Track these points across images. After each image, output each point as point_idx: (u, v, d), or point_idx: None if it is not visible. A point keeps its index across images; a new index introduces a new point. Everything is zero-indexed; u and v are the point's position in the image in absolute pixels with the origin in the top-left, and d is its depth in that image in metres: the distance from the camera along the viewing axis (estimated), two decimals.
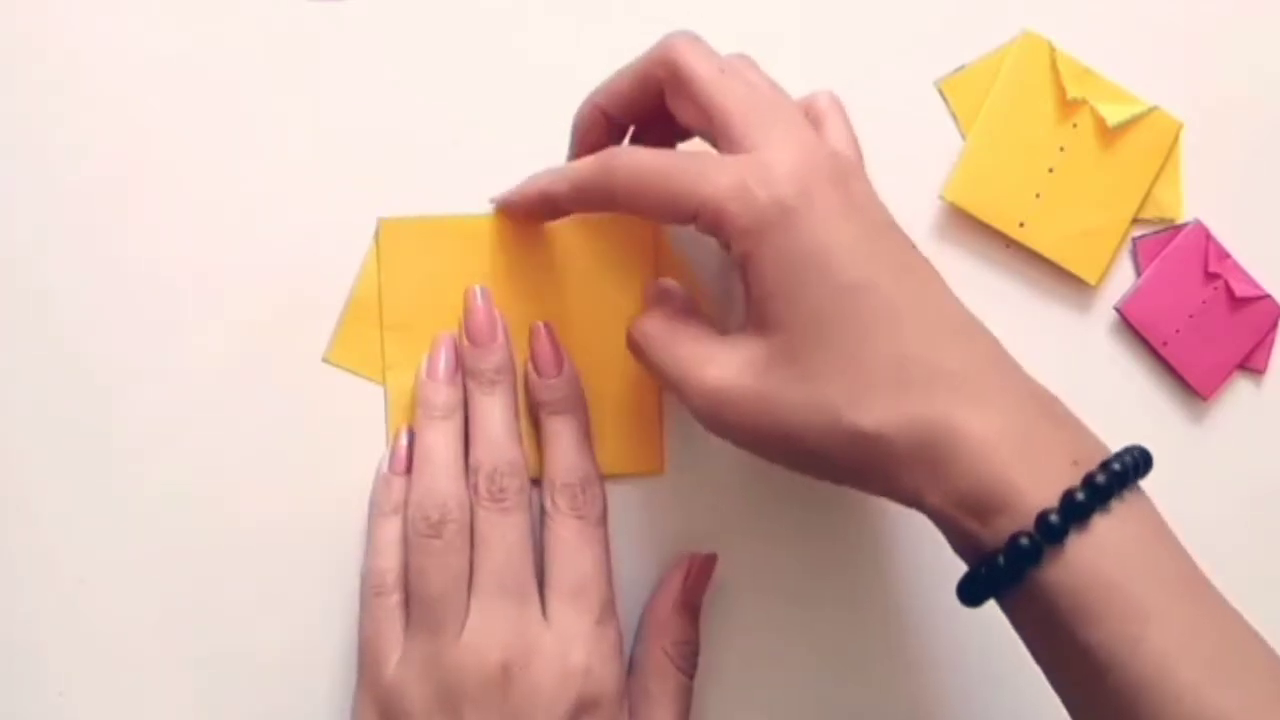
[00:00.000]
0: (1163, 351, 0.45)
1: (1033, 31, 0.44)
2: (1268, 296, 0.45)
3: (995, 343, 0.37)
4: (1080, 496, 0.32)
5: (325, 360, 0.43)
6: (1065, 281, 0.45)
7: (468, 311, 0.42)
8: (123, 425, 0.42)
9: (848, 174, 0.36)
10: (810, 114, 0.40)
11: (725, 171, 0.36)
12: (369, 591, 0.40)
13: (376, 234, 0.43)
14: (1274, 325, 0.46)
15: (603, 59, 0.44)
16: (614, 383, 0.43)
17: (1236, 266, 0.45)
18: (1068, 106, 0.44)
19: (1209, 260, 0.45)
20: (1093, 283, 0.45)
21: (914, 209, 0.45)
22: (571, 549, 0.39)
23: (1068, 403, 0.45)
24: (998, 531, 0.33)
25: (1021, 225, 0.44)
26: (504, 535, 0.39)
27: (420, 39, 0.43)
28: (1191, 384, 0.45)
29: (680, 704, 0.41)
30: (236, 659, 0.42)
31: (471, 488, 0.39)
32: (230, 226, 0.43)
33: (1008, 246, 0.45)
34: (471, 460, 0.40)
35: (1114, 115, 0.44)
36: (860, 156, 0.40)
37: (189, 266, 0.43)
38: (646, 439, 0.43)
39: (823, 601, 0.43)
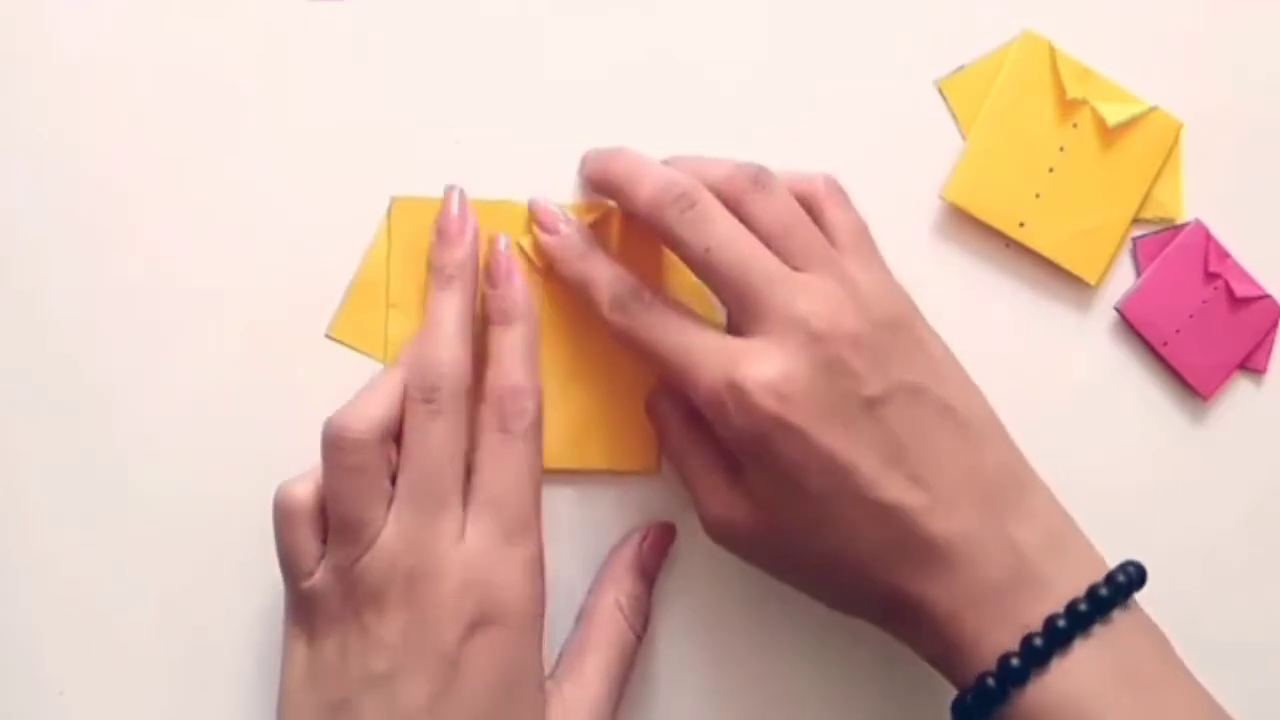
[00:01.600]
0: (1163, 351, 0.45)
1: (1033, 31, 0.44)
2: (1268, 296, 0.45)
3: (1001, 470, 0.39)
4: (1037, 643, 0.36)
5: (328, 336, 0.43)
6: (1065, 281, 0.45)
7: (442, 209, 0.42)
8: (121, 423, 0.42)
9: (843, 358, 0.37)
10: (807, 201, 0.40)
11: (722, 365, 0.37)
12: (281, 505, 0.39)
13: (389, 211, 0.43)
14: (1274, 325, 0.46)
15: (604, 54, 0.44)
16: (610, 378, 0.43)
17: (1236, 266, 0.45)
18: (1068, 106, 0.44)
19: (1209, 260, 0.45)
20: (1093, 282, 0.45)
21: (914, 209, 0.45)
22: (491, 460, 0.39)
23: (1068, 403, 0.45)
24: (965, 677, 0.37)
25: (1022, 225, 0.44)
26: (425, 440, 0.38)
27: (420, 39, 0.43)
28: (1191, 384, 0.45)
29: (620, 657, 0.41)
30: (238, 658, 0.42)
31: (408, 387, 0.39)
32: (229, 227, 0.43)
33: (1008, 246, 0.45)
34: (411, 359, 0.39)
35: (1114, 115, 0.44)
36: (864, 233, 0.40)
37: (189, 266, 0.43)
38: (641, 437, 0.43)
39: (813, 606, 0.43)
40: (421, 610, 0.37)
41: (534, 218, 0.42)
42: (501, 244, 0.42)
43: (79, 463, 0.42)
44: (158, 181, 0.43)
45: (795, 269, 0.38)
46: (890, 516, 0.37)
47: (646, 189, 0.39)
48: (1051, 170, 0.44)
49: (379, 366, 0.43)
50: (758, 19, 0.44)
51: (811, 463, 0.37)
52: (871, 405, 0.37)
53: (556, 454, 0.42)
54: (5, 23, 0.43)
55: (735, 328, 0.39)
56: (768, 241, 0.39)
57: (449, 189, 0.42)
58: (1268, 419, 0.46)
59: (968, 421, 0.38)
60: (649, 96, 0.44)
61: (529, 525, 0.39)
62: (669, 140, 0.44)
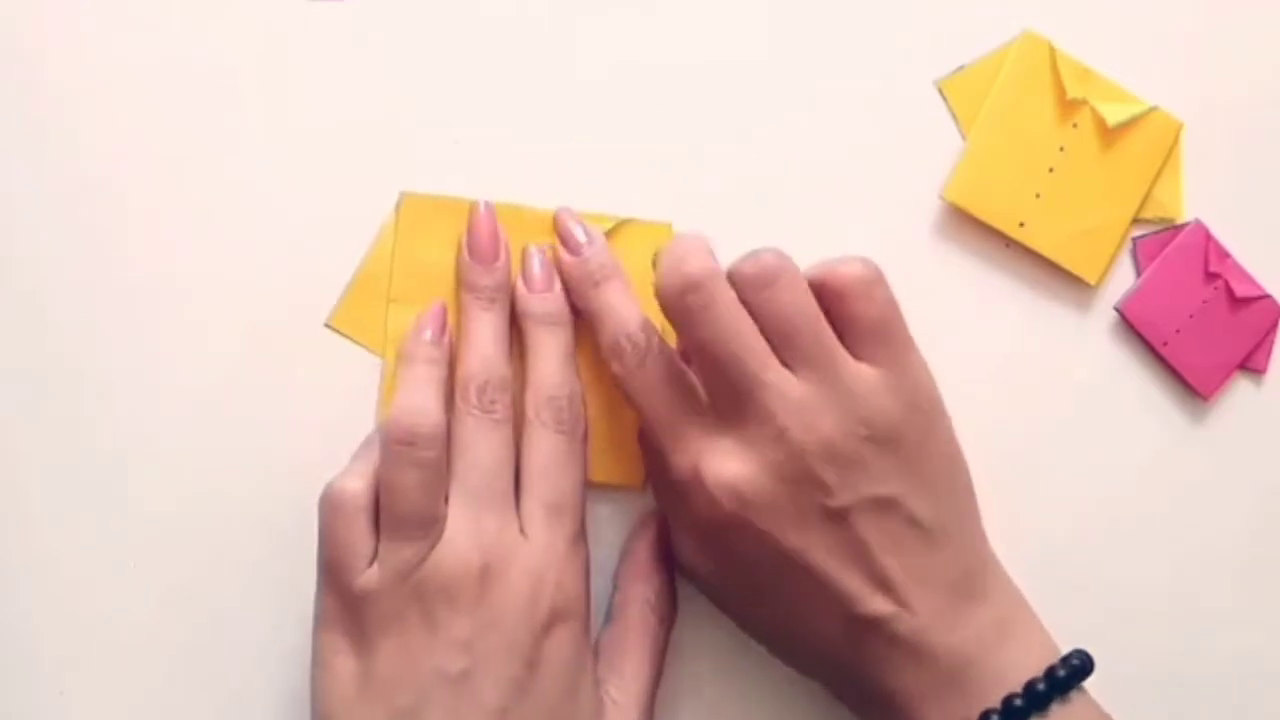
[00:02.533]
0: (1163, 351, 0.45)
1: (1033, 31, 0.44)
2: (1268, 296, 0.45)
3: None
4: None
5: (327, 325, 0.43)
6: (1065, 281, 0.45)
7: (471, 226, 0.42)
8: (121, 422, 0.42)
9: (812, 470, 0.37)
10: (834, 292, 0.39)
11: (692, 453, 0.38)
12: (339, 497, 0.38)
13: (398, 206, 0.43)
14: (1274, 325, 0.46)
15: (604, 53, 0.44)
16: (601, 390, 0.42)
17: (1237, 266, 0.45)
18: (1068, 106, 0.44)
19: (1209, 260, 0.45)
20: (1093, 282, 0.45)
21: (914, 209, 0.45)
22: (555, 464, 0.39)
23: (1068, 403, 0.45)
24: None
25: (1021, 225, 0.44)
26: (492, 445, 0.38)
27: (420, 38, 0.43)
28: (1191, 384, 0.45)
29: (656, 654, 0.41)
30: (238, 657, 0.42)
31: (461, 397, 0.39)
32: (229, 226, 0.43)
33: (1008, 246, 0.45)
34: (462, 372, 0.40)
35: (1114, 115, 0.44)
36: (887, 328, 0.39)
37: (189, 265, 0.43)
38: (628, 452, 0.43)
39: None
40: (497, 607, 0.37)
41: (558, 231, 0.42)
42: (538, 254, 0.42)
43: (79, 462, 0.42)
44: (157, 181, 0.43)
45: (791, 368, 0.38)
46: (850, 617, 0.38)
47: (657, 268, 0.39)
48: (1051, 170, 0.44)
49: (378, 363, 0.43)
50: (758, 19, 0.44)
51: (768, 561, 0.38)
52: (836, 515, 0.37)
53: None
54: (6, 23, 0.43)
55: (719, 413, 0.39)
56: (769, 338, 0.38)
57: (478, 204, 0.42)
58: (1268, 419, 0.46)
59: (938, 528, 0.38)
60: (649, 96, 0.44)
61: (584, 530, 0.40)
62: (669, 140, 0.44)
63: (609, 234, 0.43)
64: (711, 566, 0.39)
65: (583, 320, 0.42)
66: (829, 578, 0.37)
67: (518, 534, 0.38)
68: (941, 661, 0.37)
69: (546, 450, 0.39)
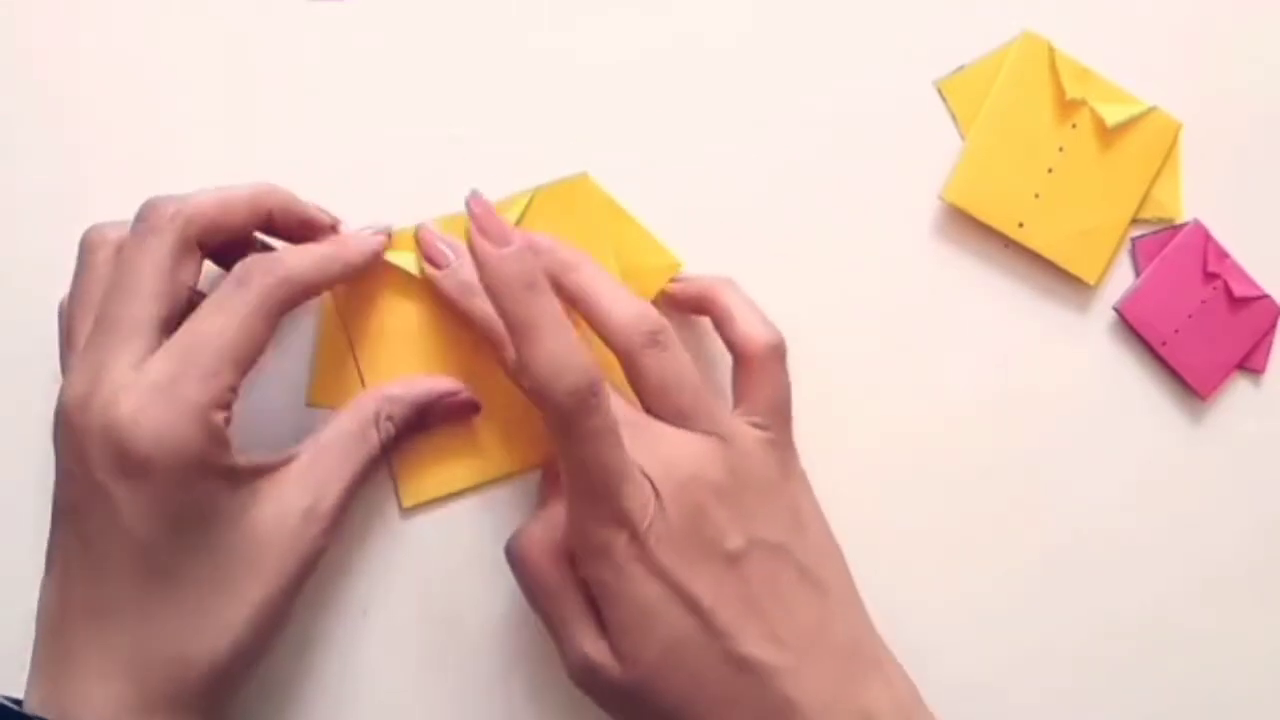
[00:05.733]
0: (1161, 351, 0.45)
1: (1032, 32, 0.44)
2: (1267, 296, 0.45)
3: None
4: None
5: (309, 405, 0.42)
6: (1064, 281, 0.45)
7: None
8: None
9: (705, 507, 0.37)
10: (741, 360, 0.40)
11: (614, 521, 0.37)
12: None
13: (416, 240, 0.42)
14: (1273, 325, 0.46)
15: (603, 54, 0.44)
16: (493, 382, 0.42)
17: (1236, 266, 0.45)
18: (1067, 107, 0.44)
19: (1208, 260, 0.45)
20: (1092, 283, 0.45)
21: (914, 209, 0.45)
22: (211, 309, 0.37)
23: (1067, 403, 0.45)
24: None
25: (1021, 225, 0.44)
26: (125, 260, 0.37)
27: (421, 39, 0.43)
28: (1190, 384, 0.45)
29: (362, 470, 0.41)
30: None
31: None
32: None
33: (1007, 246, 0.45)
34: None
35: (1113, 115, 0.44)
36: (779, 408, 0.40)
37: None
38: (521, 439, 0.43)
39: None
40: (83, 435, 0.36)
41: (421, 250, 0.42)
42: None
43: None
44: (156, 181, 0.43)
45: (674, 424, 0.38)
46: (745, 671, 0.37)
47: (534, 363, 0.36)
48: (1050, 170, 0.44)
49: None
50: (757, 19, 0.44)
51: (672, 604, 0.37)
52: (732, 558, 0.37)
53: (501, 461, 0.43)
54: (6, 23, 0.43)
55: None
56: (650, 397, 0.39)
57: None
58: (1266, 419, 0.46)
59: (825, 586, 0.38)
60: (648, 96, 0.44)
61: (220, 377, 0.36)
62: (667, 140, 0.44)
63: (529, 206, 0.43)
64: (607, 655, 0.37)
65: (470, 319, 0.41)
66: (727, 625, 0.36)
67: (129, 365, 0.36)
68: None
69: (216, 296, 0.37)
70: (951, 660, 0.44)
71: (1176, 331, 0.45)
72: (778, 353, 0.40)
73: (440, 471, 0.43)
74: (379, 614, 0.42)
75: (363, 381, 0.42)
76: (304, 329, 0.43)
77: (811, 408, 0.43)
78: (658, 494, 0.37)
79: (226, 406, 0.37)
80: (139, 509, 0.35)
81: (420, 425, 0.42)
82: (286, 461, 0.39)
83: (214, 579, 0.37)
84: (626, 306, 0.39)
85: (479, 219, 0.37)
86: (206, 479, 0.36)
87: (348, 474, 0.40)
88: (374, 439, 0.40)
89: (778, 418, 0.40)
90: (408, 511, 0.43)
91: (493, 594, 0.42)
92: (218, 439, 0.36)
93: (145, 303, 0.36)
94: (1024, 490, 0.45)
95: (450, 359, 0.42)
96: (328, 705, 0.42)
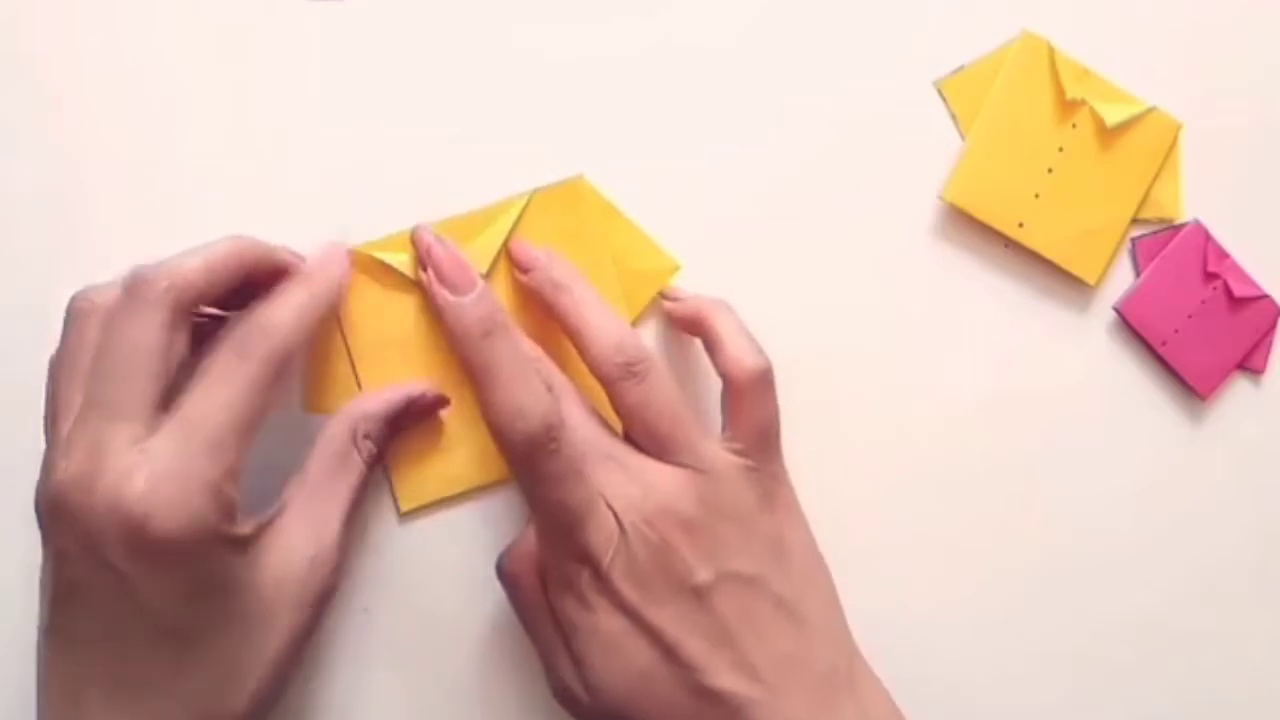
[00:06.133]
0: (1161, 351, 0.45)
1: (1032, 32, 0.45)
2: (1267, 296, 0.45)
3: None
4: None
5: (307, 411, 0.42)
6: (1064, 281, 0.45)
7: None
8: None
9: (671, 543, 0.37)
10: (730, 387, 0.40)
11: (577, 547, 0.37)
12: None
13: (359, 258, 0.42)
14: (1273, 325, 0.46)
15: (603, 55, 0.44)
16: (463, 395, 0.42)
17: (1235, 266, 0.45)
18: (1067, 107, 0.44)
19: (1208, 260, 0.45)
20: (1092, 283, 0.45)
21: (913, 209, 0.45)
22: (211, 379, 0.36)
23: (1067, 403, 0.45)
24: None
25: (1021, 225, 0.44)
26: (118, 335, 0.36)
27: (421, 39, 0.43)
28: (1190, 384, 0.45)
29: (357, 494, 0.41)
30: None
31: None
32: (228, 225, 0.43)
33: (1007, 247, 0.45)
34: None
35: (1113, 115, 0.44)
36: (765, 435, 0.40)
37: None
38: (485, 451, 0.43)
39: None
40: (88, 515, 0.35)
41: (417, 251, 0.41)
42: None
43: None
44: (154, 182, 0.43)
45: (650, 454, 0.39)
46: (716, 703, 0.37)
47: (492, 408, 0.37)
48: (1050, 170, 0.44)
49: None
50: (757, 20, 0.44)
51: (636, 638, 0.37)
52: (700, 592, 0.37)
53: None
54: (6, 23, 0.43)
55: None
56: (631, 425, 0.39)
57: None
58: (1266, 419, 0.46)
59: (803, 616, 0.38)
60: (647, 97, 0.44)
61: (226, 449, 0.36)
62: (668, 141, 0.44)
63: (525, 209, 0.43)
64: (583, 683, 0.38)
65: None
66: (695, 658, 0.37)
67: (128, 440, 0.35)
68: None
69: (207, 364, 0.37)
70: (951, 660, 0.44)
71: (1176, 331, 0.45)
72: (765, 380, 0.39)
73: (436, 475, 0.43)
74: (377, 617, 0.42)
75: (359, 385, 0.42)
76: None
77: (810, 408, 0.43)
78: (622, 528, 0.37)
79: (236, 478, 0.36)
80: (156, 586, 0.35)
81: (396, 432, 0.42)
82: (280, 512, 0.39)
83: (233, 641, 0.37)
84: (608, 335, 0.39)
85: (439, 265, 0.39)
86: (220, 551, 0.36)
87: (341, 508, 0.40)
88: (357, 462, 0.41)
89: (763, 445, 0.39)
90: (405, 516, 0.43)
91: (490, 598, 0.42)
92: (229, 513, 0.36)
93: (144, 382, 0.36)
94: (1024, 490, 0.45)
95: (446, 358, 0.42)
96: (328, 707, 0.42)
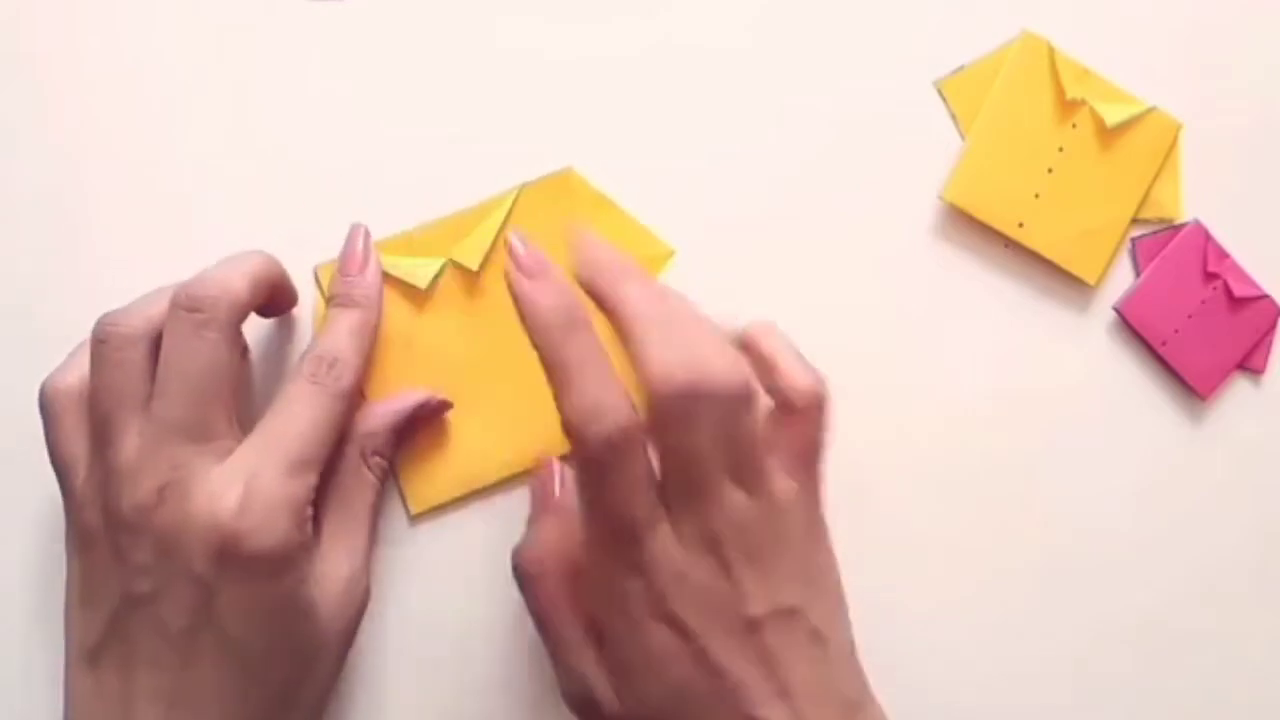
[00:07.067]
0: (1161, 351, 0.45)
1: (1032, 32, 0.45)
2: (1267, 297, 0.45)
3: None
4: None
5: None
6: (1064, 281, 0.45)
7: (346, 247, 0.42)
8: None
9: (735, 569, 0.36)
10: (781, 406, 0.38)
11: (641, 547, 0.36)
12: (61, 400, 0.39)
13: (316, 280, 0.42)
14: (1273, 325, 0.46)
15: (603, 56, 0.44)
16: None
17: (1235, 266, 0.45)
18: (1067, 107, 0.44)
19: (1208, 260, 0.45)
20: (1092, 283, 0.45)
21: (913, 209, 0.45)
22: (288, 402, 0.38)
23: (1066, 403, 0.45)
24: None
25: (1020, 225, 0.44)
26: (186, 355, 0.36)
27: (421, 39, 0.43)
28: (1190, 384, 0.45)
29: (372, 511, 0.41)
30: None
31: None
32: (228, 225, 0.43)
33: (1007, 247, 0.45)
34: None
35: (1113, 115, 0.44)
36: (809, 457, 0.38)
37: (188, 263, 0.42)
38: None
39: None
40: (168, 529, 0.36)
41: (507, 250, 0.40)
42: (358, 233, 0.42)
43: None
44: (154, 182, 0.43)
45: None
46: None
47: (568, 406, 0.36)
48: (1050, 170, 0.44)
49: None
50: (757, 20, 0.44)
51: (683, 656, 0.36)
52: (753, 623, 0.36)
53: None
54: (6, 23, 0.43)
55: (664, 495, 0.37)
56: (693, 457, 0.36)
57: (355, 227, 0.42)
58: (1266, 419, 0.46)
59: (832, 643, 0.38)
60: (647, 97, 0.44)
61: (309, 469, 0.37)
62: (668, 141, 0.44)
63: (515, 203, 0.42)
64: (606, 686, 0.37)
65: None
66: (737, 683, 0.36)
67: (209, 457, 0.36)
68: None
69: (287, 393, 0.38)
70: (950, 660, 0.44)
71: (1176, 331, 0.45)
72: (821, 401, 0.38)
73: (446, 477, 0.42)
74: (391, 619, 0.42)
75: (364, 391, 0.42)
76: (302, 341, 0.43)
77: None
78: (685, 548, 0.36)
79: (312, 503, 0.37)
80: (235, 600, 0.36)
81: (403, 442, 0.42)
82: (315, 537, 0.39)
83: (293, 669, 0.37)
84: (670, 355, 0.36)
85: (516, 256, 0.37)
86: (295, 573, 0.37)
87: (365, 525, 0.41)
88: (371, 480, 0.41)
89: (811, 467, 0.38)
90: (416, 518, 0.43)
91: (503, 598, 0.42)
92: (307, 538, 0.37)
93: (217, 402, 0.37)
94: (1024, 490, 0.45)
95: (450, 363, 0.42)
96: (342, 708, 0.42)
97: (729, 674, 0.36)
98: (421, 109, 0.43)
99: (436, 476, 0.42)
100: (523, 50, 0.44)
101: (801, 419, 0.38)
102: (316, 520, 0.40)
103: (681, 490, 0.36)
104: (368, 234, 0.42)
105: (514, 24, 0.44)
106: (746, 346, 0.39)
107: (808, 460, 0.38)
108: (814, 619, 0.37)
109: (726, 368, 0.35)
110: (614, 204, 0.43)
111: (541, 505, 0.41)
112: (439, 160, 0.43)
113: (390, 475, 0.42)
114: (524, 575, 0.39)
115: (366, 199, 0.43)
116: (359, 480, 0.41)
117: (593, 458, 0.35)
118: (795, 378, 0.38)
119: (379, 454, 0.41)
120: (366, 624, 0.41)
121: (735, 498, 0.36)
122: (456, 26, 0.44)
